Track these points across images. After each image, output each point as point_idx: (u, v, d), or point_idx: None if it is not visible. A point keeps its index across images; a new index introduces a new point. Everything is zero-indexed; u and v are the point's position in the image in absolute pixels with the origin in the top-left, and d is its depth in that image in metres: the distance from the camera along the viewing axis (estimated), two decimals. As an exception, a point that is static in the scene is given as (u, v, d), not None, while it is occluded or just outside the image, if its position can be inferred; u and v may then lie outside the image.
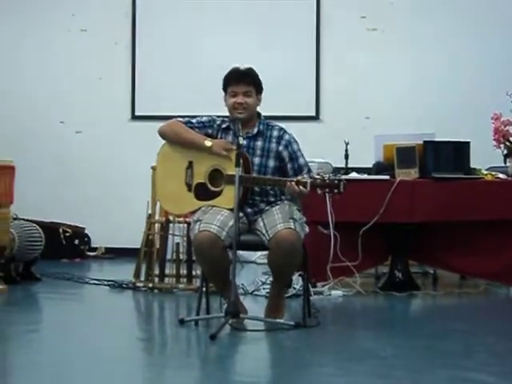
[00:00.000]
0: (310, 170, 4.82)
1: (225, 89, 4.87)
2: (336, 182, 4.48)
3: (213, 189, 4.80)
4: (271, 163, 4.83)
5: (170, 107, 8.14)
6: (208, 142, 4.79)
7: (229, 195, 4.66)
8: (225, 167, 4.76)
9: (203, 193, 4.81)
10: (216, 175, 4.80)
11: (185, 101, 8.34)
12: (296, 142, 4.89)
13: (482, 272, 6.25)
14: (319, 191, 4.50)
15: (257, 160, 4.81)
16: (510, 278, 6.17)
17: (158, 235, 6.30)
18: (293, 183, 4.53)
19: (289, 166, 4.83)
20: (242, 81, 4.81)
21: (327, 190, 4.48)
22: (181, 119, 4.94)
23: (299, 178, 4.59)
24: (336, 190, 4.48)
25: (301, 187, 4.50)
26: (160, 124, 4.99)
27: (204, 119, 4.93)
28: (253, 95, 4.83)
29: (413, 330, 4.89)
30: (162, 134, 4.94)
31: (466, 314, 5.59)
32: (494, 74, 8.28)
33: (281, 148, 4.84)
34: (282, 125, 4.98)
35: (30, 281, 6.48)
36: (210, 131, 4.89)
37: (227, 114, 4.91)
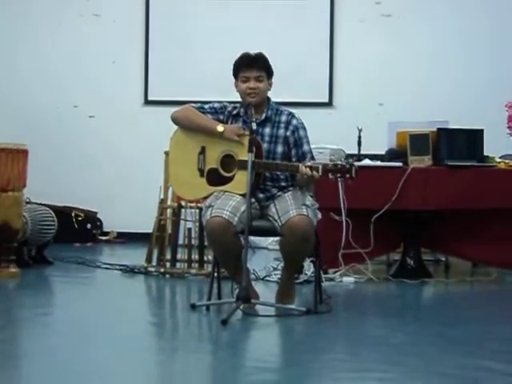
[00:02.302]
0: (313, 157, 4.80)
1: (235, 75, 4.85)
2: (348, 166, 4.47)
3: (225, 174, 4.79)
4: (279, 149, 4.81)
5: (184, 92, 8.14)
6: (220, 127, 4.78)
7: (240, 180, 4.66)
8: (237, 152, 4.75)
9: (215, 178, 4.81)
10: (228, 160, 4.79)
11: (198, 86, 8.33)
12: (304, 127, 4.86)
13: (494, 260, 6.24)
14: (331, 176, 4.49)
15: (265, 146, 4.78)
16: (522, 266, 6.18)
17: (170, 220, 6.31)
18: (304, 166, 4.53)
19: (293, 151, 4.81)
20: (254, 66, 4.79)
21: (339, 174, 4.48)
22: (193, 105, 4.94)
23: (310, 163, 4.59)
24: (348, 175, 4.47)
25: (313, 172, 4.49)
26: (173, 109, 4.98)
27: (216, 105, 4.92)
28: (264, 80, 4.81)
29: (424, 318, 4.89)
30: (175, 120, 4.93)
31: (478, 302, 5.58)
32: (508, 62, 8.25)
33: (288, 133, 4.82)
34: (295, 111, 4.95)
35: (43, 264, 6.51)
36: (221, 117, 4.88)
37: (238, 99, 4.90)
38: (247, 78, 4.78)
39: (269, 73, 4.84)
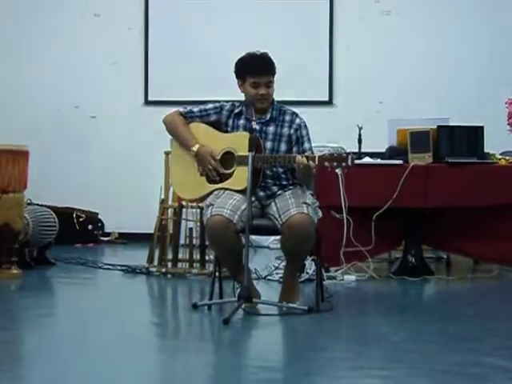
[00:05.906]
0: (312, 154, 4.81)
1: (242, 75, 4.80)
2: (344, 155, 4.49)
3: (224, 171, 4.79)
4: (283, 147, 4.82)
5: (183, 92, 8.15)
6: (194, 148, 4.79)
7: (240, 176, 4.66)
8: (236, 149, 4.75)
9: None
10: (228, 158, 4.79)
11: (197, 86, 8.33)
12: (306, 127, 4.87)
13: (496, 257, 6.24)
14: (327, 164, 4.47)
15: (269, 144, 4.80)
16: (523, 262, 6.18)
17: (171, 220, 6.31)
18: (301, 156, 4.54)
19: (294, 149, 4.82)
20: (266, 72, 4.76)
21: (335, 163, 4.48)
22: (182, 110, 4.91)
23: (307, 153, 4.62)
24: (344, 164, 4.47)
25: (310, 161, 4.50)
26: (174, 109, 4.97)
27: (209, 106, 4.90)
28: (273, 84, 4.81)
29: (426, 315, 4.89)
30: (164, 125, 4.96)
31: (479, 299, 5.58)
32: (508, 59, 8.25)
33: (292, 131, 4.83)
34: (295, 110, 4.96)
35: (44, 265, 6.52)
36: (215, 117, 4.87)
37: (238, 98, 4.89)
38: (258, 83, 4.77)
39: (274, 75, 4.83)
